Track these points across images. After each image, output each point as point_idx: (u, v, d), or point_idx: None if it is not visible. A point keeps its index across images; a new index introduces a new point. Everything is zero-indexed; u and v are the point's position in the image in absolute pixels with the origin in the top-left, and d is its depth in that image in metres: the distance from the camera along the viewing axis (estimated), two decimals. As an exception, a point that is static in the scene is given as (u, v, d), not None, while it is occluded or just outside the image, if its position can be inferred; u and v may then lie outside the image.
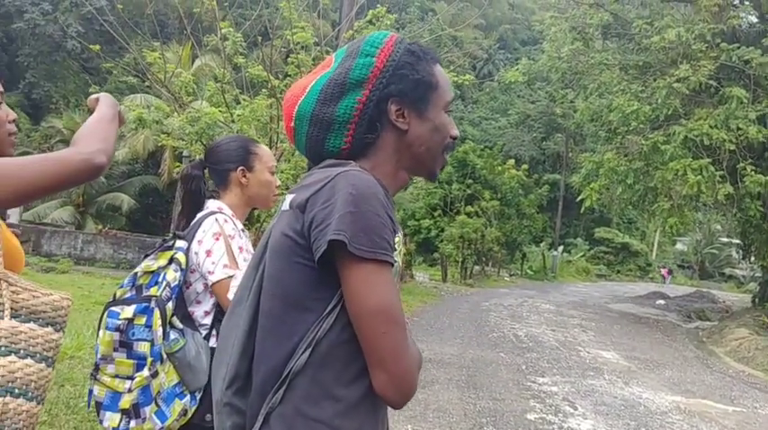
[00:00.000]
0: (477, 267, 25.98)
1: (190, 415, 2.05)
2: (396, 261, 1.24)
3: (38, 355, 1.55)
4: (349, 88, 1.33)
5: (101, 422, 1.98)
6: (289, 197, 1.29)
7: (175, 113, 8.85)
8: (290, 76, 9.50)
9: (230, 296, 1.99)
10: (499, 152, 28.35)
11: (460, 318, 13.22)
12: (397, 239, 1.25)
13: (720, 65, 13.97)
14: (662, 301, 23.15)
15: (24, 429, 1.50)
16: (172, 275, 2.03)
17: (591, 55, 16.97)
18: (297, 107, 1.36)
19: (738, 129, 13.13)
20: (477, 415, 6.02)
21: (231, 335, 1.31)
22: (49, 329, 1.58)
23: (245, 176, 2.30)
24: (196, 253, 2.12)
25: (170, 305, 2.01)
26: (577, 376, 8.46)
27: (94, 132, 1.64)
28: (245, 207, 2.35)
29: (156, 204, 26.77)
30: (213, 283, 2.09)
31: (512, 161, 27.52)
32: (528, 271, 31.48)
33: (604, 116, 16.52)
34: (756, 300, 18.51)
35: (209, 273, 2.09)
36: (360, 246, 1.15)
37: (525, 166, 27.80)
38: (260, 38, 9.68)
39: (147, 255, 2.11)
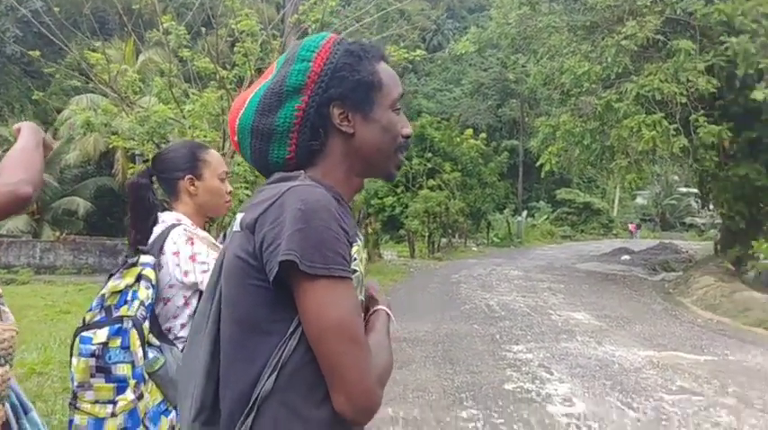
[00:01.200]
0: (443, 240, 26.10)
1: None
2: (357, 271, 1.22)
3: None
4: (287, 96, 1.29)
5: None
6: (239, 217, 1.24)
7: (123, 113, 8.64)
8: (238, 65, 9.33)
9: None
10: (456, 123, 28.43)
11: (432, 294, 13.28)
12: (355, 248, 1.22)
13: (666, 18, 14.10)
14: (627, 257, 23.57)
15: None
16: (144, 293, 1.98)
17: (539, 18, 16.98)
18: (238, 120, 1.33)
19: (688, 81, 13.29)
20: (455, 390, 6.04)
21: (193, 365, 1.26)
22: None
23: (193, 185, 2.23)
24: (177, 264, 2.06)
25: (146, 324, 1.97)
26: (551, 340, 8.56)
27: (18, 163, 1.60)
28: (198, 216, 2.27)
29: (112, 205, 26.26)
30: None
31: (469, 131, 27.58)
32: (494, 239, 31.73)
33: (557, 79, 16.60)
34: (718, 247, 18.92)
35: (203, 272, 2.03)
36: (312, 264, 1.11)
37: (483, 135, 27.89)
38: (203, 28, 9.46)
39: (111, 275, 2.06)
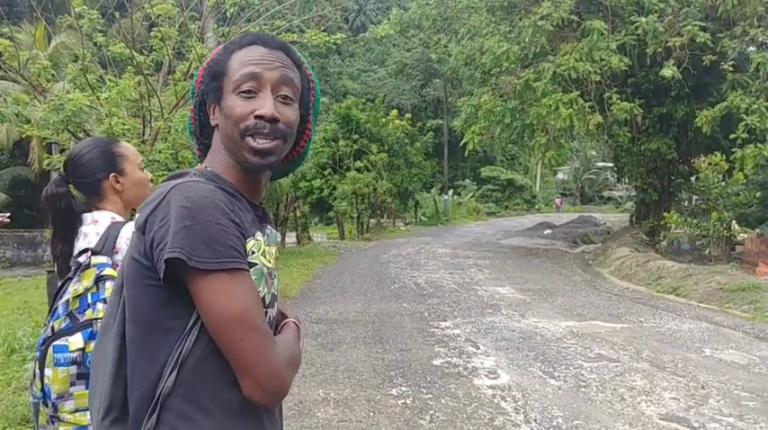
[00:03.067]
0: (372, 220, 26.25)
1: None
2: (257, 264, 1.25)
3: None
4: (192, 103, 1.42)
5: None
6: (136, 216, 1.25)
7: (36, 101, 8.35)
8: (155, 50, 9.13)
9: None
10: (381, 104, 28.37)
11: (361, 274, 13.39)
12: (252, 243, 1.24)
13: (579, -1, 14.53)
14: (549, 231, 24.31)
15: None
16: None
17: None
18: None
19: (602, 60, 13.76)
20: (385, 369, 6.17)
21: (102, 365, 1.27)
22: None
23: (118, 182, 2.19)
24: None
25: None
26: (477, 315, 8.81)
27: None
28: (125, 212, 2.25)
29: (29, 196, 25.19)
30: None
31: (395, 112, 27.69)
32: (422, 218, 32.11)
33: (477, 59, 16.87)
34: (633, 218, 19.76)
35: None
36: (201, 259, 1.13)
37: (408, 115, 28.05)
38: (117, 12, 9.19)
39: (68, 279, 1.98)
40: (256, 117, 1.27)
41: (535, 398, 5.30)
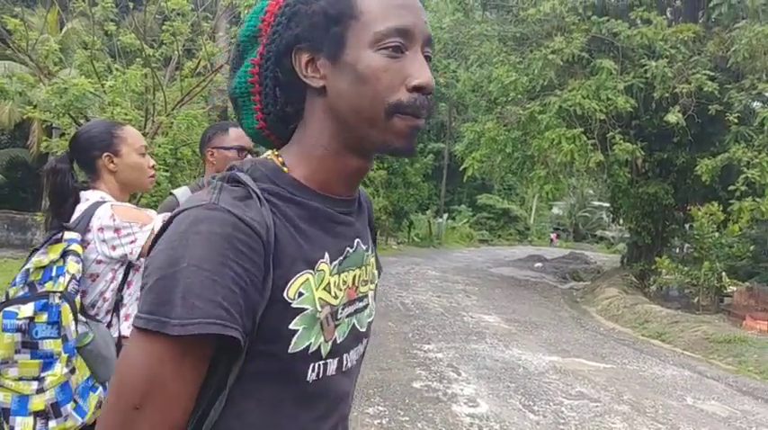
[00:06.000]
0: (364, 236, 26.21)
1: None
2: (305, 309, 0.95)
3: None
4: (244, 51, 1.03)
5: (11, 429, 1.87)
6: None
7: (41, 84, 8.30)
8: (165, 44, 9.11)
9: None
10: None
11: (348, 289, 13.29)
12: (303, 280, 0.95)
13: (592, 37, 14.58)
14: (539, 264, 24.27)
15: None
16: (75, 268, 1.95)
17: (471, 26, 17.25)
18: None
19: (608, 99, 13.79)
20: (364, 387, 6.09)
21: None
22: None
23: (112, 162, 2.23)
24: (104, 240, 2.04)
25: (78, 298, 1.95)
26: (461, 341, 8.74)
27: None
28: (122, 193, 2.27)
29: (25, 179, 25.08)
30: (142, 248, 2.05)
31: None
32: (415, 238, 32.06)
33: (485, 86, 16.90)
34: (625, 260, 19.73)
35: (132, 242, 2.05)
36: (144, 316, 0.86)
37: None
38: (132, 3, 9.18)
39: (35, 250, 2.03)
40: (413, 89, 0.94)
41: (513, 430, 5.23)
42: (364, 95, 0.94)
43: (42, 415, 1.87)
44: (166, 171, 8.33)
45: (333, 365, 1.02)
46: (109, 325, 2.09)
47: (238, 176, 0.95)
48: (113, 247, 2.07)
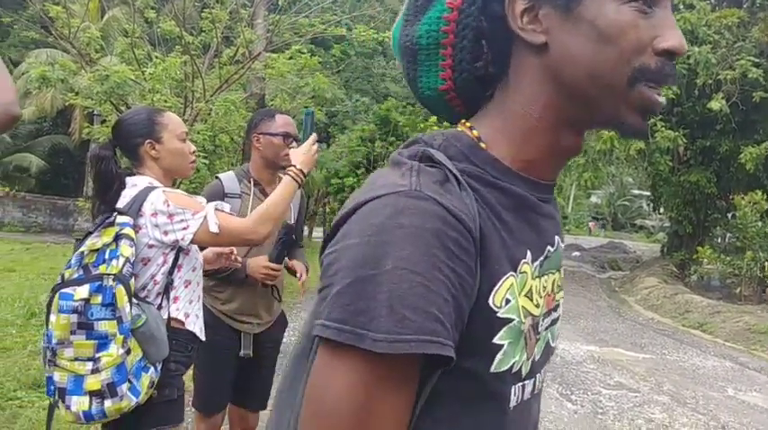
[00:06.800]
0: (400, 224, 26.22)
1: (155, 387, 2.05)
2: (511, 319, 0.77)
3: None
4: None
5: (67, 407, 1.92)
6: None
7: (83, 71, 8.45)
8: (204, 31, 9.19)
9: (213, 229, 2.07)
10: (422, 109, 28.36)
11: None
12: (510, 283, 0.77)
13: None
14: (577, 253, 24.02)
15: None
16: (129, 251, 1.99)
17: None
18: (392, 33, 0.90)
19: (649, 86, 13.52)
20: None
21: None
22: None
23: (154, 149, 2.26)
24: (156, 225, 2.08)
25: (132, 281, 1.99)
26: (497, 330, 8.69)
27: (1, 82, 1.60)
28: (165, 179, 2.30)
29: (67, 165, 25.63)
30: (194, 235, 2.09)
31: (434, 118, 27.55)
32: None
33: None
34: (665, 249, 19.41)
35: (184, 229, 2.09)
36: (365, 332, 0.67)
37: (446, 124, 28.00)
38: (172, -8, 9.27)
39: (89, 233, 2.07)
40: (662, 52, 0.76)
41: (550, 419, 5.18)
42: (606, 57, 0.75)
43: (98, 394, 1.92)
44: (205, 158, 8.42)
45: (528, 387, 0.85)
46: (159, 307, 2.13)
47: (431, 154, 0.77)
48: (165, 233, 2.10)
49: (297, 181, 2.35)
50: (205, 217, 2.09)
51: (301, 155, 2.42)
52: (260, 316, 2.96)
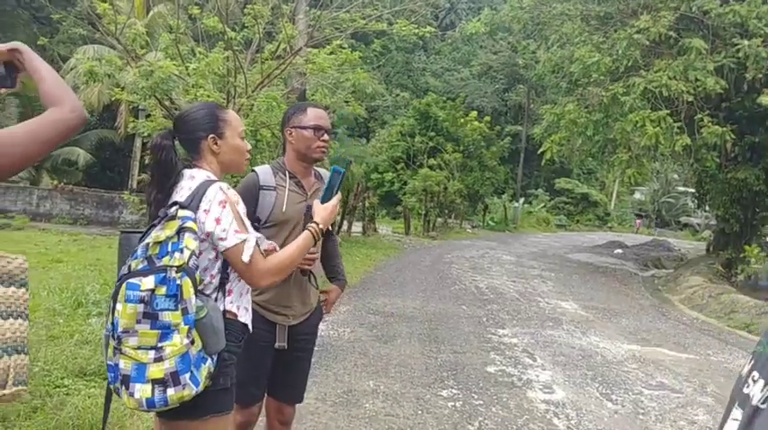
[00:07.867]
0: (439, 219, 26.15)
1: (212, 377, 2.10)
2: None
3: (23, 314, 1.86)
4: None
5: (131, 394, 1.98)
6: None
7: (129, 67, 8.59)
8: (247, 27, 9.27)
9: (245, 259, 2.10)
10: (461, 104, 28.20)
11: (423, 271, 13.31)
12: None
13: (680, 15, 13.99)
14: (620, 250, 23.65)
15: (24, 381, 1.78)
16: (193, 244, 2.05)
17: (553, 5, 16.84)
18: None
19: (696, 80, 13.22)
20: (438, 369, 6.09)
21: None
22: (24, 290, 1.89)
23: (216, 144, 2.29)
24: (203, 222, 2.12)
25: (198, 273, 2.06)
26: (537, 327, 8.61)
27: (65, 88, 1.66)
28: (221, 173, 2.34)
29: (113, 159, 26.19)
30: (226, 249, 2.12)
31: (474, 113, 27.47)
32: (490, 222, 31.79)
33: (566, 67, 16.50)
34: (710, 247, 19.00)
35: (221, 239, 2.11)
36: None
37: (487, 118, 27.80)
38: (215, -12, 9.38)
39: (152, 225, 2.13)
40: None
41: (589, 418, 5.12)
42: None
43: (161, 383, 1.96)
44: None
45: None
46: (215, 300, 2.17)
47: None
48: (210, 231, 2.14)
49: (315, 238, 2.38)
50: (244, 241, 2.12)
51: (324, 212, 2.45)
52: (294, 307, 2.98)
